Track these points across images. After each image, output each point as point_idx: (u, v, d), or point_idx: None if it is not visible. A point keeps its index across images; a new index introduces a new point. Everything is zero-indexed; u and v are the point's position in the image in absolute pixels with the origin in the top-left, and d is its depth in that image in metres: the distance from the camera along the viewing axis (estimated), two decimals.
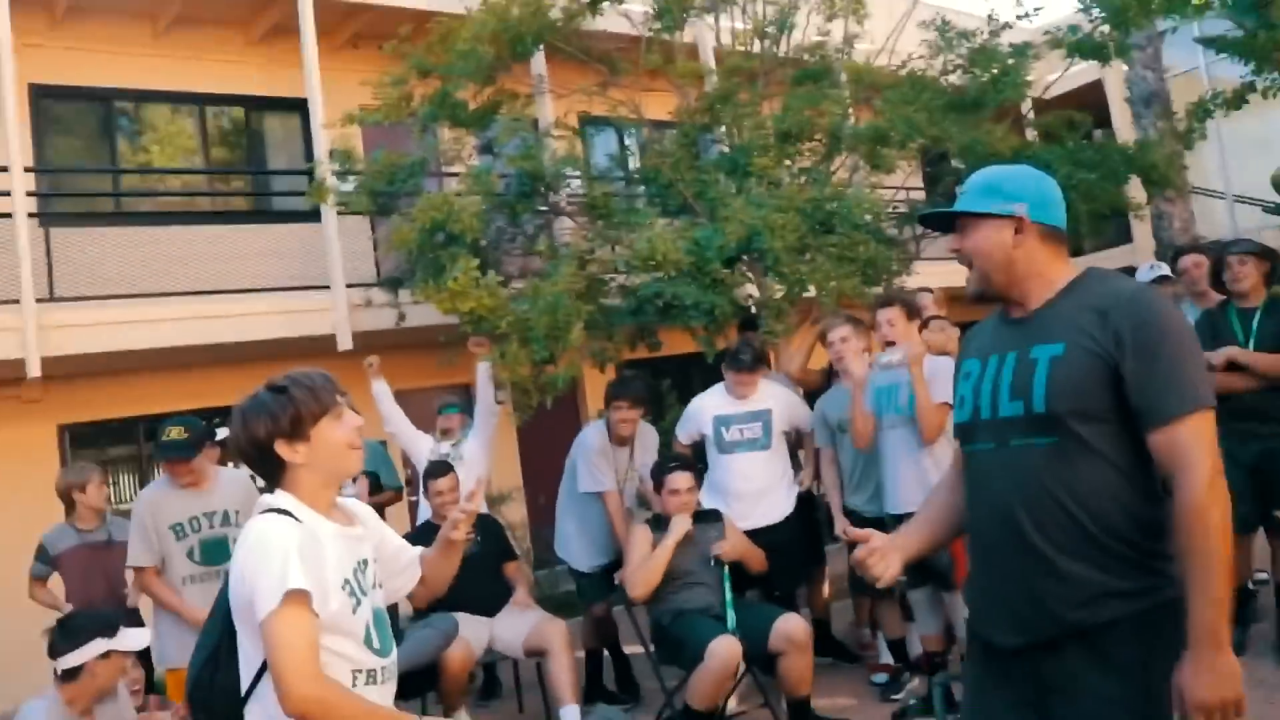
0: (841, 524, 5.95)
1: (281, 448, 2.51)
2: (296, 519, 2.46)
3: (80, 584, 5.94)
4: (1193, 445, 2.25)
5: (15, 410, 9.07)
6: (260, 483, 3.93)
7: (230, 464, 5.65)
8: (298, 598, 2.35)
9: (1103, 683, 2.32)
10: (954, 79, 8.41)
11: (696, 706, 5.10)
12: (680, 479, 5.64)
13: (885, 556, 2.66)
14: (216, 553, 5.11)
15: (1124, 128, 14.77)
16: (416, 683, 5.47)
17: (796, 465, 6.51)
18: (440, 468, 6.25)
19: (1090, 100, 16.26)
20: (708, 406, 6.26)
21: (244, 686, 2.46)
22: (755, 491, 6.08)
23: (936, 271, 7.57)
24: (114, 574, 5.81)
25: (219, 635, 2.53)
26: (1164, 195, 11.09)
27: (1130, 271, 6.09)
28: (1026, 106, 11.07)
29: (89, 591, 5.89)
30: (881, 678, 6.15)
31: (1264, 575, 6.21)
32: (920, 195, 10.38)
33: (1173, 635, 2.24)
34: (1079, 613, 2.33)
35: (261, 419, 2.51)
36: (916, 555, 2.76)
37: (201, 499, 5.17)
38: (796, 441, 6.52)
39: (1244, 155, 16.37)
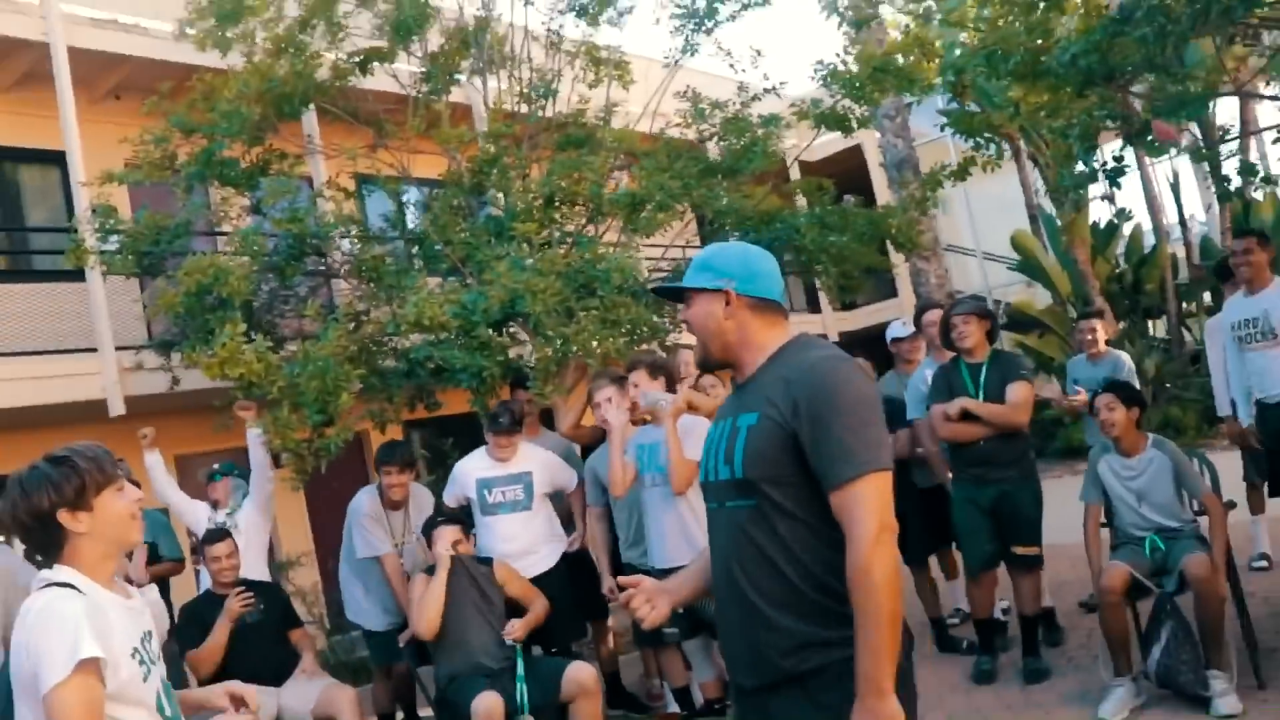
0: (608, 584, 6.20)
1: (64, 517, 2.53)
2: (80, 591, 2.48)
3: None
4: (858, 507, 2.40)
5: None
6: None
7: None
8: (87, 667, 2.37)
9: None
10: (711, 145, 8.90)
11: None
12: (449, 532, 5.81)
13: (652, 599, 2.87)
14: None
15: (882, 191, 15.83)
16: None
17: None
18: (216, 534, 6.20)
19: (853, 165, 17.38)
20: (470, 469, 6.41)
21: None
22: (518, 551, 6.24)
23: None
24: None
25: None
26: (918, 255, 11.95)
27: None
28: (794, 172, 11.78)
29: None
30: None
31: (1006, 605, 6.81)
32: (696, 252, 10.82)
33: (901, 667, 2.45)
34: (789, 660, 2.51)
35: (44, 489, 2.52)
36: (684, 601, 2.95)
37: None
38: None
39: (990, 217, 17.83)
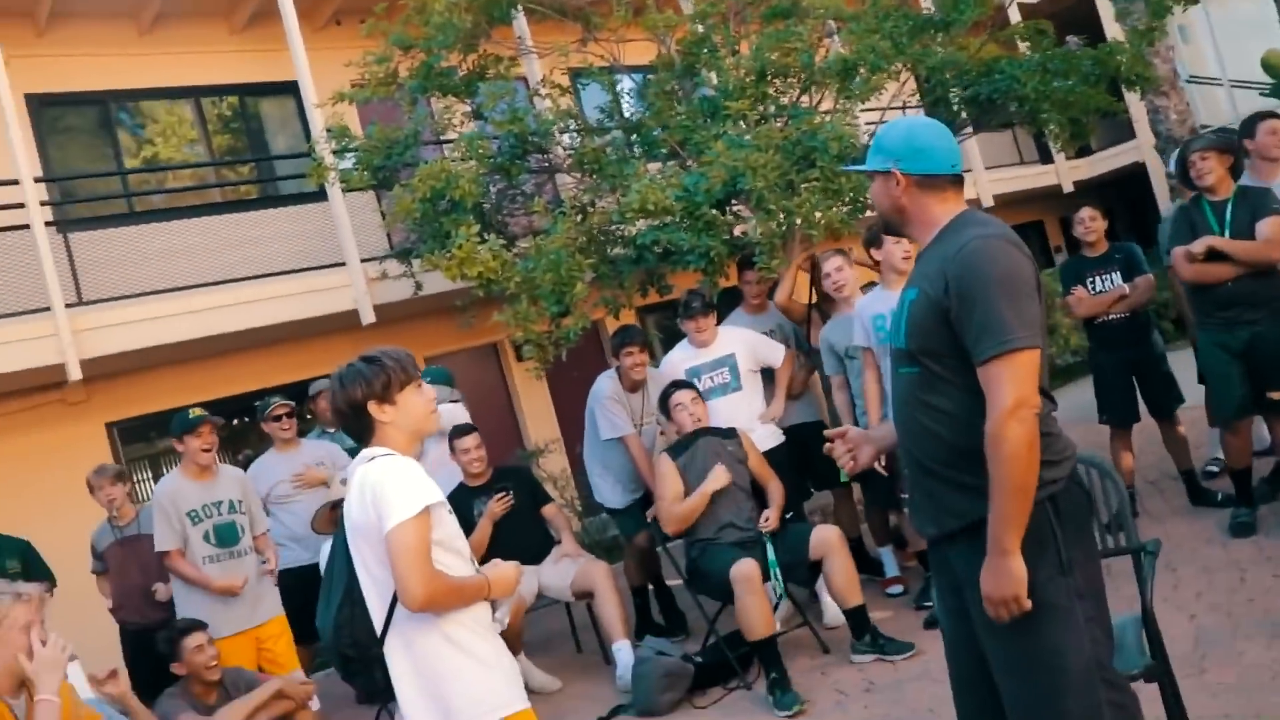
0: None
1: (373, 408, 2.98)
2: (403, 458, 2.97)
3: (118, 577, 6.44)
4: (998, 382, 2.54)
5: (61, 413, 9.49)
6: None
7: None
8: (424, 513, 2.85)
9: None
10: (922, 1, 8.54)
11: (755, 638, 5.39)
12: (683, 395, 6.06)
13: (854, 448, 3.10)
14: (228, 536, 5.82)
15: (1110, 28, 14.81)
16: None
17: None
18: (464, 429, 6.57)
19: (1076, 2, 16.30)
20: (677, 360, 6.61)
21: (379, 621, 2.93)
22: (741, 423, 6.32)
23: None
24: (146, 564, 6.24)
25: (347, 580, 2.98)
26: (1154, 90, 11.19)
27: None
28: (1013, 15, 11.17)
29: (125, 583, 6.38)
30: (896, 589, 6.55)
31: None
32: (918, 111, 10.51)
33: (1037, 531, 2.57)
34: (956, 512, 2.71)
35: (358, 383, 2.99)
36: (886, 449, 3.14)
37: (209, 489, 5.84)
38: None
39: (1239, 41, 16.37)
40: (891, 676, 5.25)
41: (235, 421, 10.41)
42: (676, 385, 6.17)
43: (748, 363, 6.52)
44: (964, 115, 8.89)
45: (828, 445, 3.15)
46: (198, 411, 5.93)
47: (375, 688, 3.01)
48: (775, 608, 6.04)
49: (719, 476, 5.79)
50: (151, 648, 5.33)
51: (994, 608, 2.58)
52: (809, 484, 6.99)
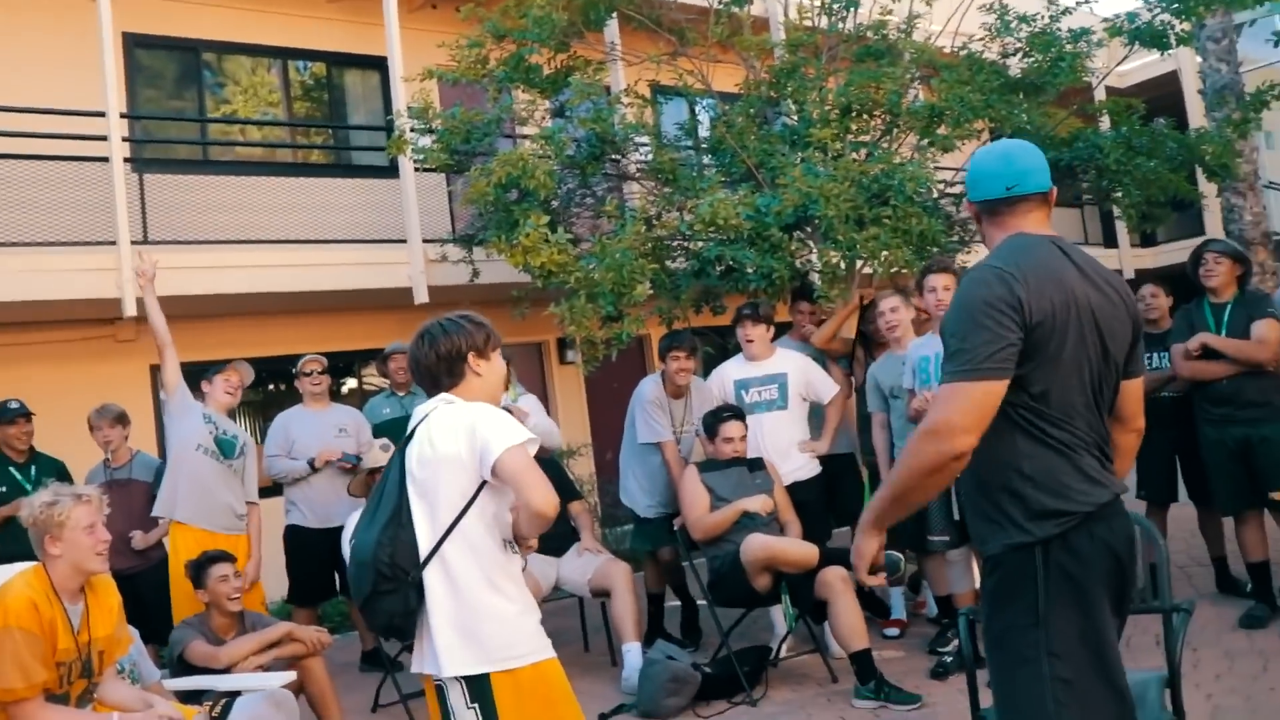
0: None
1: (471, 360, 3.20)
2: None
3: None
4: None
5: (110, 349, 9.62)
6: None
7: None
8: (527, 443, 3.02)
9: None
10: (1014, 62, 8.57)
11: (855, 649, 5.44)
12: (733, 428, 6.11)
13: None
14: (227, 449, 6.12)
15: (1197, 121, 14.73)
16: None
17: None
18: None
19: (1166, 93, 16.23)
20: (728, 373, 6.66)
21: (425, 547, 3.01)
22: (774, 450, 6.41)
23: None
24: (130, 510, 6.36)
25: (397, 503, 3.06)
26: (1233, 187, 11.15)
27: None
28: (1100, 94, 11.18)
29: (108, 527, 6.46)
30: (893, 632, 6.59)
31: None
32: None
33: (1016, 576, 2.62)
34: (980, 539, 2.77)
35: (463, 333, 3.21)
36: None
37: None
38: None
39: None
40: (898, 712, 5.25)
41: (270, 385, 10.53)
42: (732, 414, 6.21)
43: (799, 386, 6.55)
44: None
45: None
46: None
47: (394, 616, 3.03)
48: (788, 634, 6.16)
49: (762, 502, 5.88)
50: (127, 592, 5.25)
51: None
52: (833, 519, 6.95)
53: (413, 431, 3.16)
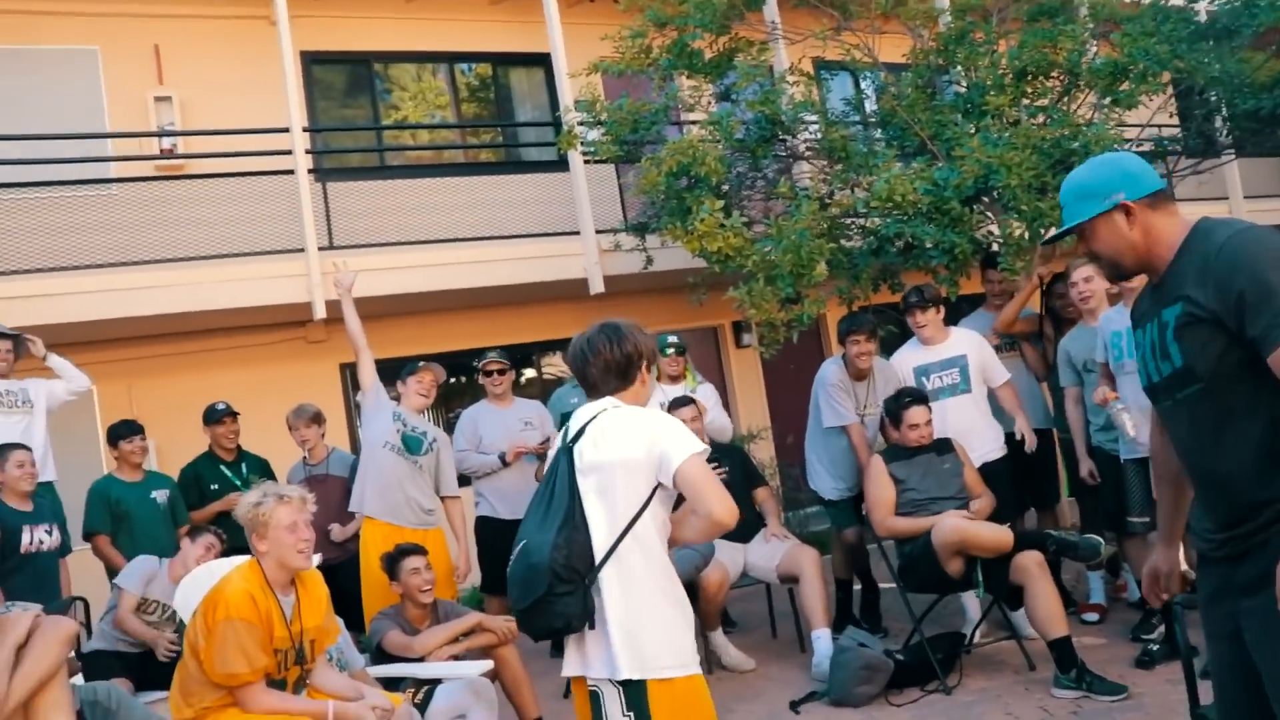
0: (1086, 466, 6.14)
1: (641, 367, 3.27)
2: None
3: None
4: None
5: (302, 350, 10.06)
6: None
7: None
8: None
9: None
10: (1202, 6, 8.10)
11: (1054, 636, 5.26)
12: (917, 413, 5.96)
13: (1165, 585, 3.09)
14: (413, 445, 6.22)
15: None
16: None
17: None
18: (684, 400, 6.52)
19: None
20: (906, 359, 6.51)
21: (601, 550, 3.01)
22: (960, 433, 6.25)
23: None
24: (329, 504, 6.51)
25: (569, 505, 3.05)
26: None
27: None
28: None
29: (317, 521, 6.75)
30: (1092, 617, 6.35)
31: None
32: (1173, 130, 10.04)
33: None
34: (1260, 524, 2.53)
35: (644, 339, 3.29)
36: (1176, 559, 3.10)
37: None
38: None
39: None
40: (1102, 702, 5.06)
41: (452, 379, 10.80)
42: (914, 399, 6.05)
43: (979, 367, 6.38)
44: (1228, 135, 8.42)
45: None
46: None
47: (572, 618, 2.98)
48: (982, 618, 6.05)
49: (954, 528, 5.62)
50: (329, 583, 5.37)
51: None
52: (1026, 499, 6.78)
53: (581, 430, 3.15)
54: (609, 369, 3.24)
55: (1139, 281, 2.89)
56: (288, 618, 4.10)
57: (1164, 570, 3.07)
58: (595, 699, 3.03)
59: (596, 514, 3.03)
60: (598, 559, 3.00)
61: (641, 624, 2.99)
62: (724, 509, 2.97)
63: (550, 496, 3.10)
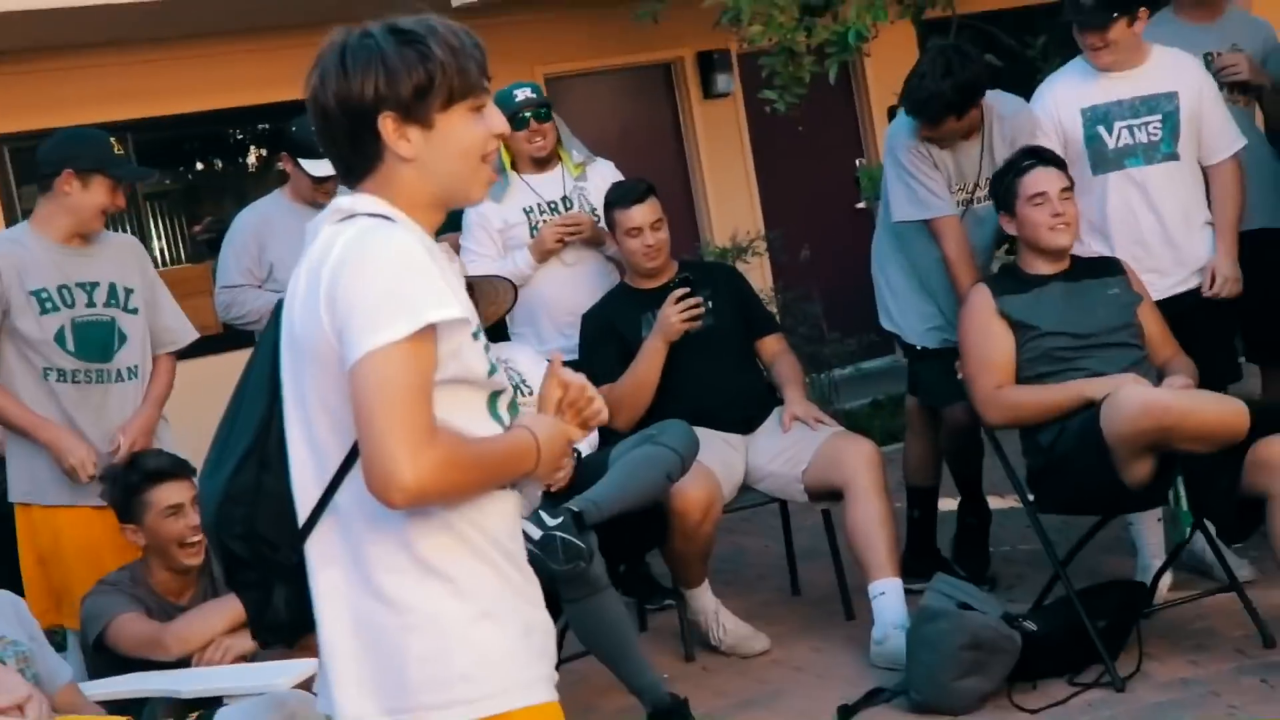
0: None
1: (388, 126, 1.80)
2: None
3: None
4: None
5: None
6: None
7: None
8: (425, 334, 1.69)
9: None
10: None
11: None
12: (1047, 176, 4.02)
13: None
14: (95, 343, 4.32)
15: None
16: (630, 538, 4.05)
17: None
18: (633, 191, 4.70)
19: None
20: (1060, 95, 4.43)
21: (306, 507, 1.83)
22: (1158, 234, 4.30)
23: None
24: None
25: (261, 421, 1.88)
26: None
27: None
28: None
29: None
30: None
31: None
32: None
33: None
34: None
35: (372, 73, 1.79)
36: None
37: (81, 262, 4.28)
38: None
39: None
40: None
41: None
42: (1039, 157, 4.09)
43: (1192, 115, 4.28)
44: None
45: None
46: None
47: (274, 616, 1.89)
48: (1172, 557, 4.32)
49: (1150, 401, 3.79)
50: None
51: None
52: (1242, 351, 4.89)
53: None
54: (329, 131, 1.81)
55: None
56: None
57: None
58: None
59: (299, 440, 1.82)
60: (302, 519, 1.81)
61: (394, 632, 1.76)
62: (400, 471, 1.59)
63: (238, 407, 1.95)
